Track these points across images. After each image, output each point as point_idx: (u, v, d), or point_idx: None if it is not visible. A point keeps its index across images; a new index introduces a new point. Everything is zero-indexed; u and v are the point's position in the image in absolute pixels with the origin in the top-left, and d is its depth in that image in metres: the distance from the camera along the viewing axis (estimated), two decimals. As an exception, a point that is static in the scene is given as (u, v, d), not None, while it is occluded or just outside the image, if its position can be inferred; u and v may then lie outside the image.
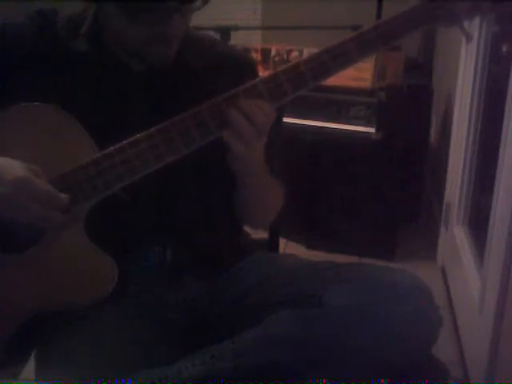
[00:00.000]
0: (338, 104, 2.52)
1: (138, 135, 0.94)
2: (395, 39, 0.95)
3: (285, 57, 2.70)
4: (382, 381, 0.93)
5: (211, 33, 2.17)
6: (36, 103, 0.96)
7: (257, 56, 2.70)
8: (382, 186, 2.58)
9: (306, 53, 2.57)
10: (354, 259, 2.46)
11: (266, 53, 2.74)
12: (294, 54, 2.67)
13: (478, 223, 2.14)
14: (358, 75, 2.40)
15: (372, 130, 2.50)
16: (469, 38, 1.04)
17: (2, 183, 0.90)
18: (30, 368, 1.05)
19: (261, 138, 0.97)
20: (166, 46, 0.98)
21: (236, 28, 2.40)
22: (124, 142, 0.94)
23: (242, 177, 1.06)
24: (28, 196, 0.89)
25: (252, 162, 1.01)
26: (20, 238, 0.98)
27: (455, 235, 2.33)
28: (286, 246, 2.57)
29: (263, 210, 1.17)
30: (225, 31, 2.35)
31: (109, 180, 0.95)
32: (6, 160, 0.92)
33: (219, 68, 1.10)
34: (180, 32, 0.98)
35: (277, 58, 2.72)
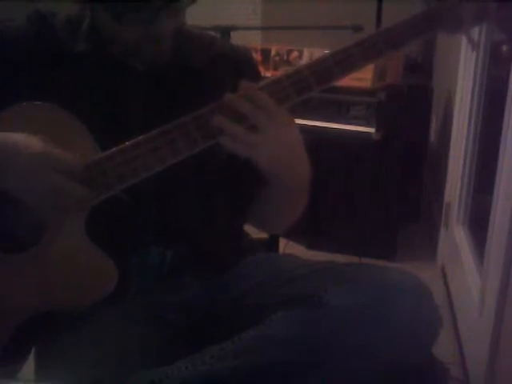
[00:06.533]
0: (338, 104, 2.52)
1: (140, 137, 0.94)
2: (400, 45, 0.95)
3: (285, 57, 2.70)
4: (382, 381, 0.93)
5: (211, 33, 2.17)
6: (37, 103, 0.96)
7: (257, 56, 2.70)
8: (382, 187, 2.58)
9: (306, 53, 2.57)
10: (354, 259, 2.45)
11: (266, 53, 2.74)
12: (294, 54, 2.66)
13: (478, 223, 2.14)
14: (357, 75, 2.39)
15: (372, 130, 2.51)
16: (474, 45, 1.03)
17: (21, 159, 0.89)
18: (29, 368, 1.05)
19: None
20: (155, 46, 0.98)
21: (236, 28, 2.40)
22: (126, 143, 0.94)
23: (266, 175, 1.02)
24: (49, 167, 0.89)
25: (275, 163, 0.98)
26: (21, 237, 0.98)
27: (455, 235, 2.33)
28: (286, 246, 2.56)
29: (282, 214, 1.17)
30: (224, 31, 2.35)
31: (110, 181, 0.95)
32: (21, 135, 0.92)
33: (219, 66, 1.10)
34: (168, 31, 0.98)
35: (277, 58, 2.72)
